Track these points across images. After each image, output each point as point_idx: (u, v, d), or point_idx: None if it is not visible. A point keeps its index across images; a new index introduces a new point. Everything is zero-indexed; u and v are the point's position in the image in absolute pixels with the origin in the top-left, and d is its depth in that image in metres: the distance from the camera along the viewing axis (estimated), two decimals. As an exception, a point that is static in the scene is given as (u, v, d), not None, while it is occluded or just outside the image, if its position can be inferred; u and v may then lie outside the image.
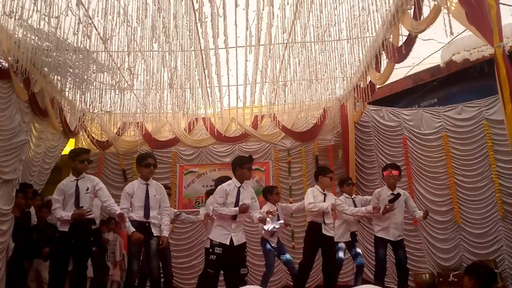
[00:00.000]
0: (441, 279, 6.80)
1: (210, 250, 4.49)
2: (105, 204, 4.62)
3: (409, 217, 7.09)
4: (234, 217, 4.51)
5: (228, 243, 4.42)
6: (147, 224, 4.60)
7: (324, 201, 5.23)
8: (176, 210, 6.34)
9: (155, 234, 4.63)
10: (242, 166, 4.56)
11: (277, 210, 5.69)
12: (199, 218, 6.10)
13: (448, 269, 6.98)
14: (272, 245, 5.73)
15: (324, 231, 5.09)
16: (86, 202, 4.57)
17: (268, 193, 5.98)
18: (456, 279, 6.45)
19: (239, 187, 4.58)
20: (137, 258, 4.48)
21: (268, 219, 4.79)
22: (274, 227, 5.32)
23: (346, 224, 5.78)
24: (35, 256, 5.67)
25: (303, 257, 5.25)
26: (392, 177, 5.33)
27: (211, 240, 4.52)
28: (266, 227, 5.24)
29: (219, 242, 4.42)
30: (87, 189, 4.58)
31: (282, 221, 5.61)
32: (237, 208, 4.45)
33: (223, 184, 4.63)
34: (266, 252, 5.71)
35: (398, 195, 5.18)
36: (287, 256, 5.83)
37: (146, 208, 4.62)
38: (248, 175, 4.61)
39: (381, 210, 5.10)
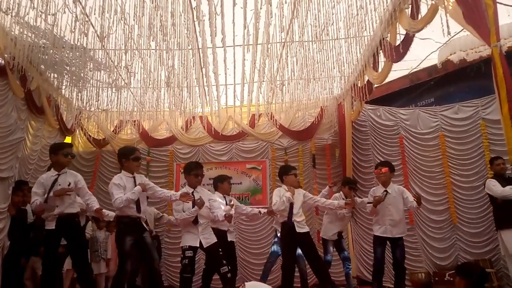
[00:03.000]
0: (437, 278, 6.81)
1: (182, 256, 4.61)
2: (88, 201, 4.54)
3: (406, 214, 7.15)
4: (195, 221, 4.64)
5: (197, 244, 4.59)
6: (138, 219, 4.54)
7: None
8: (156, 211, 6.33)
9: (146, 228, 4.64)
10: (189, 173, 4.85)
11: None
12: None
13: (444, 268, 7.00)
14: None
15: (297, 229, 5.02)
16: (68, 197, 4.47)
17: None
18: (452, 279, 6.46)
19: (193, 192, 4.75)
20: (129, 257, 4.44)
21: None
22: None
23: (334, 222, 5.81)
24: (32, 254, 5.65)
25: (283, 259, 5.16)
26: (383, 175, 5.34)
27: (182, 247, 4.67)
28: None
29: (189, 246, 4.58)
30: (69, 184, 4.47)
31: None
32: (195, 208, 4.58)
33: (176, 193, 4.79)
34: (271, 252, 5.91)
35: (386, 192, 5.25)
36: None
37: (138, 203, 4.52)
38: (196, 181, 4.88)
39: (372, 203, 5.14)
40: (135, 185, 4.52)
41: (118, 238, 4.50)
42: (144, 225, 4.63)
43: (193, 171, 4.81)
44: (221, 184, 5.77)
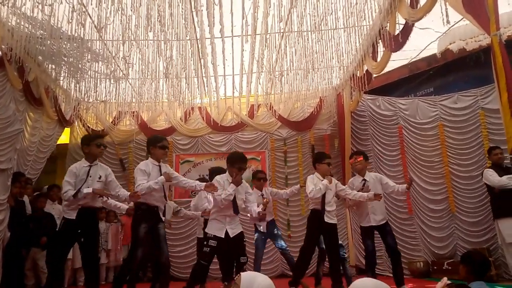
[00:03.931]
0: (435, 267, 6.87)
1: (205, 243, 4.52)
2: (118, 192, 4.49)
3: (397, 197, 7.15)
4: (235, 211, 4.56)
5: (223, 236, 4.48)
6: (155, 208, 4.53)
7: None
8: (176, 205, 6.34)
9: (162, 219, 4.62)
10: (233, 165, 4.67)
11: (263, 195, 5.68)
12: (195, 214, 6.08)
13: (443, 257, 7.05)
14: (261, 229, 5.73)
15: (326, 219, 5.02)
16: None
17: (254, 179, 5.92)
18: (450, 267, 6.52)
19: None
20: (143, 245, 4.44)
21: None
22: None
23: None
24: (32, 245, 5.69)
25: (305, 242, 5.12)
26: (358, 163, 5.33)
27: (206, 233, 4.57)
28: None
29: (214, 235, 4.48)
30: (100, 177, 4.43)
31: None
32: (232, 185, 4.51)
33: (217, 177, 4.70)
34: (255, 241, 5.81)
35: (364, 180, 5.23)
36: (281, 243, 5.79)
37: (164, 191, 4.52)
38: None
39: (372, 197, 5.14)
40: (160, 173, 4.52)
41: (133, 225, 4.49)
42: (161, 215, 4.62)
43: (237, 163, 4.66)
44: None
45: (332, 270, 4.97)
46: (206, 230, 4.63)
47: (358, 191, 5.20)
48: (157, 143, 4.67)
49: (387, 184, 5.28)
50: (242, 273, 1.95)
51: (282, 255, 5.99)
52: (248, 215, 5.33)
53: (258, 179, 5.88)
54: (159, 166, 4.63)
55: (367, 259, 5.17)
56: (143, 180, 4.39)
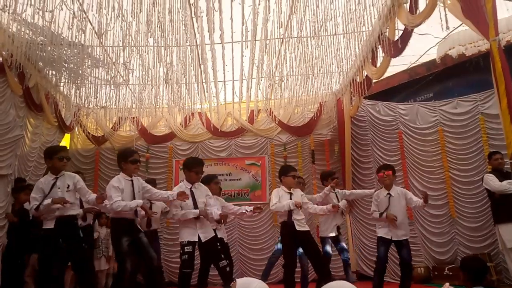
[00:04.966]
0: (436, 273, 6.84)
1: (181, 251, 4.55)
2: (88, 198, 4.50)
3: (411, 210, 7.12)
4: (196, 217, 4.62)
5: (196, 239, 4.54)
6: (133, 221, 4.55)
7: (290, 199, 5.17)
8: (164, 205, 6.33)
9: (140, 229, 4.64)
10: (190, 169, 4.76)
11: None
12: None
13: (443, 262, 7.02)
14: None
15: (297, 228, 5.03)
16: (69, 200, 4.41)
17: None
18: (451, 273, 6.50)
19: (191, 188, 4.71)
20: (128, 256, 4.44)
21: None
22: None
23: (331, 217, 5.80)
24: (32, 252, 5.66)
25: (284, 258, 5.15)
26: (387, 178, 5.33)
27: (180, 242, 4.61)
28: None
29: (187, 241, 4.53)
30: (68, 187, 4.44)
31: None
32: (197, 211, 4.58)
33: (174, 188, 4.80)
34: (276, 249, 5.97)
35: (389, 195, 5.20)
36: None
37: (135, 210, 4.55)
38: (195, 178, 4.79)
39: (382, 216, 5.11)
40: (133, 188, 4.55)
41: (114, 240, 4.49)
42: (139, 226, 4.65)
43: (194, 168, 4.77)
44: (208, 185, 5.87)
45: (319, 270, 4.96)
46: (179, 239, 4.68)
47: (382, 205, 5.19)
48: (128, 157, 4.65)
49: (411, 199, 5.27)
50: (237, 279, 1.95)
51: (299, 260, 5.98)
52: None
53: (298, 183, 5.81)
54: (131, 181, 4.63)
55: (377, 265, 5.14)
56: (118, 197, 4.38)
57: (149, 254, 4.50)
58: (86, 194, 4.54)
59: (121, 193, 4.44)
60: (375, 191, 5.64)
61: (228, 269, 4.61)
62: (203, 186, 4.88)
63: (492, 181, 5.70)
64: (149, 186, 4.78)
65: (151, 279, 4.62)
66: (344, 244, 5.96)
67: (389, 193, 5.23)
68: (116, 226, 4.50)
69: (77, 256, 4.40)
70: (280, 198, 5.07)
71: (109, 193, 4.43)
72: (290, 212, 5.00)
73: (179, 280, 4.62)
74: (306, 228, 5.11)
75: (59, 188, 4.39)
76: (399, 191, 5.34)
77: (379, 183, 5.81)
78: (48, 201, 4.24)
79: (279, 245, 5.86)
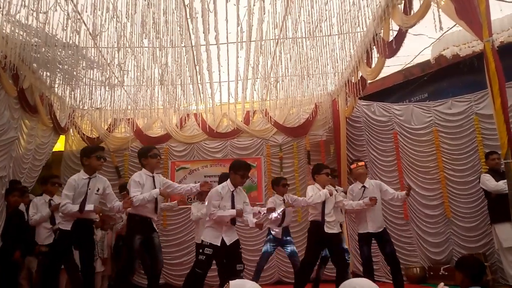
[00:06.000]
0: (431, 273, 6.86)
1: (200, 251, 4.47)
2: (114, 205, 4.48)
3: (394, 203, 7.10)
4: (233, 222, 4.51)
5: (219, 244, 4.43)
6: (149, 219, 4.54)
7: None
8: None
9: (155, 229, 4.65)
10: (236, 172, 4.59)
11: (285, 200, 5.76)
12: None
13: (439, 262, 7.05)
14: (274, 233, 5.82)
15: (326, 229, 5.02)
16: (94, 203, 4.40)
17: (274, 185, 6.04)
18: (446, 273, 6.52)
19: (233, 191, 4.59)
20: (138, 256, 4.43)
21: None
22: (275, 214, 5.48)
23: (335, 214, 5.81)
24: (27, 254, 5.63)
25: (306, 255, 5.15)
26: (360, 168, 5.35)
27: (202, 241, 4.52)
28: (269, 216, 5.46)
29: (210, 243, 4.42)
30: (98, 190, 4.43)
31: (282, 208, 5.65)
32: (234, 211, 4.47)
33: (217, 187, 4.64)
34: (263, 252, 5.91)
35: (364, 187, 5.29)
36: (292, 248, 5.83)
37: (155, 205, 4.54)
38: (239, 182, 4.62)
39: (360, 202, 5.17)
40: (154, 184, 4.55)
41: (127, 236, 4.51)
42: (154, 226, 4.66)
43: (240, 171, 4.60)
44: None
45: (339, 279, 4.93)
46: (202, 237, 4.58)
47: (357, 197, 5.24)
48: (148, 153, 4.69)
49: (387, 191, 5.30)
50: (230, 281, 1.93)
51: (289, 258, 5.99)
52: (270, 217, 5.46)
53: (283, 185, 5.99)
54: (153, 177, 4.62)
55: (364, 265, 5.17)
56: (137, 192, 4.40)
57: (157, 257, 4.51)
58: (113, 200, 4.52)
59: (141, 188, 4.45)
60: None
61: (242, 274, 4.57)
62: (243, 192, 4.79)
63: (489, 181, 5.74)
64: (170, 182, 4.81)
65: (152, 280, 4.62)
66: (344, 245, 5.98)
67: (363, 186, 5.28)
68: (131, 222, 4.51)
69: (86, 259, 4.38)
70: (315, 193, 5.10)
71: (130, 187, 4.49)
72: (322, 212, 5.04)
73: (187, 279, 4.51)
74: (336, 231, 5.12)
75: (89, 189, 4.36)
76: (373, 183, 5.38)
77: (353, 178, 5.82)
78: (90, 207, 4.26)
79: (267, 247, 5.86)
